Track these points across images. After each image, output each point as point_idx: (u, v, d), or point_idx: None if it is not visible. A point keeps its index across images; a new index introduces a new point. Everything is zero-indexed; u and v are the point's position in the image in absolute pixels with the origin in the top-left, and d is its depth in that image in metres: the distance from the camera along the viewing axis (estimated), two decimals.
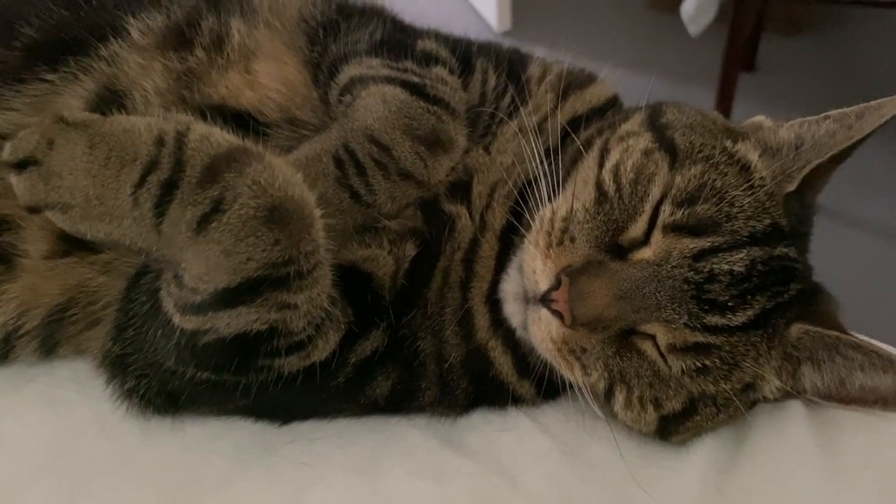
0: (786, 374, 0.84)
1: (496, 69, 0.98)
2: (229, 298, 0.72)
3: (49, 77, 0.91)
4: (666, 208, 0.80)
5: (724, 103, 2.78)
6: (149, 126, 0.74)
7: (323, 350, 0.82)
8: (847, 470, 0.83)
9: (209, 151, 0.73)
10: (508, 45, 1.07)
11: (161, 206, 0.72)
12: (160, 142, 0.73)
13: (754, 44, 3.41)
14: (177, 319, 0.76)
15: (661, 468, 0.85)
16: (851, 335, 0.82)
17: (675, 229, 0.79)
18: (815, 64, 3.52)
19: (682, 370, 0.79)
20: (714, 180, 0.80)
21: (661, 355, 0.80)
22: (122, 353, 0.86)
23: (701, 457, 0.86)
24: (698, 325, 0.78)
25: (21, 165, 0.74)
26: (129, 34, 0.94)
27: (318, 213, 0.76)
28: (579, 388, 0.84)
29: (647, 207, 0.81)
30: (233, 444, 0.88)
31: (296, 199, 0.73)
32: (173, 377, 0.83)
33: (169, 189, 0.72)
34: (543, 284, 0.81)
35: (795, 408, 0.88)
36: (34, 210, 0.76)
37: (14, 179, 0.75)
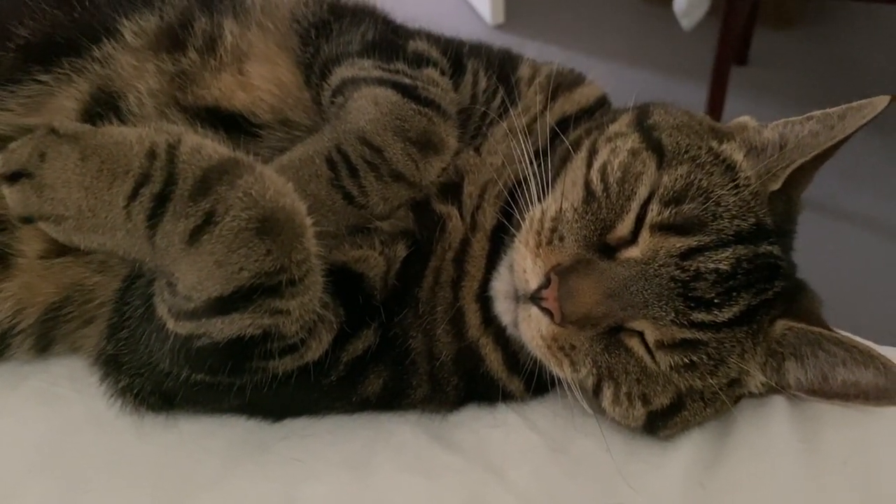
0: (770, 370, 0.86)
1: (487, 70, 0.99)
2: (222, 306, 0.73)
3: (43, 78, 0.91)
4: (653, 207, 0.81)
5: (717, 97, 2.78)
6: (140, 138, 0.75)
7: (316, 351, 0.83)
8: (828, 465, 0.84)
9: (201, 164, 0.74)
10: (499, 46, 1.07)
11: (154, 219, 0.72)
12: (152, 154, 0.74)
13: (747, 38, 3.41)
14: (170, 325, 0.77)
15: (646, 463, 0.86)
16: (834, 331, 0.84)
17: (662, 228, 0.80)
18: (808, 58, 3.53)
19: (670, 366, 0.81)
20: (700, 180, 0.82)
21: (649, 352, 0.81)
22: (116, 353, 0.87)
23: (685, 452, 0.87)
24: (685, 322, 0.79)
25: (13, 177, 0.75)
26: (123, 35, 0.94)
27: (309, 221, 0.76)
28: (568, 385, 0.85)
29: (634, 206, 0.82)
30: (226, 440, 0.89)
31: (287, 210, 0.74)
32: (167, 378, 0.84)
33: (161, 202, 0.72)
34: (533, 283, 0.82)
35: (778, 404, 0.90)
36: (27, 220, 0.77)
37: (6, 191, 0.75)
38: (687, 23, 2.87)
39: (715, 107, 2.75)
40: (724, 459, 0.86)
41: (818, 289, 0.91)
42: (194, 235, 0.71)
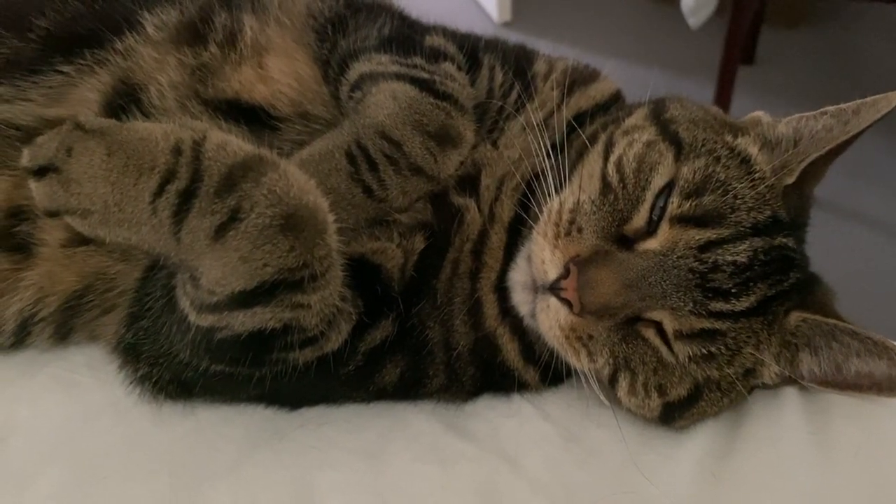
0: (784, 360, 0.86)
1: (503, 65, 1.00)
2: (245, 300, 0.74)
3: (65, 69, 0.92)
4: (674, 200, 0.82)
5: (724, 96, 2.79)
6: (165, 134, 0.75)
7: (335, 342, 0.84)
8: (840, 455, 0.85)
9: (226, 161, 0.74)
10: (514, 42, 1.08)
11: (179, 215, 0.73)
12: (177, 150, 0.74)
13: (754, 37, 3.41)
14: (192, 317, 0.77)
15: (659, 454, 0.87)
16: (847, 323, 0.84)
17: (682, 220, 0.81)
18: (815, 57, 3.53)
19: (689, 357, 0.81)
20: (718, 173, 0.83)
21: (666, 342, 0.82)
22: (136, 342, 0.88)
23: (698, 443, 0.88)
24: (703, 312, 0.80)
25: (40, 172, 0.75)
26: (144, 28, 0.95)
27: (331, 218, 0.77)
28: (584, 375, 0.86)
29: (649, 196, 0.83)
30: (243, 428, 0.90)
31: (310, 207, 0.75)
32: (187, 367, 0.85)
33: (187, 198, 0.73)
34: (552, 273, 0.83)
35: (790, 395, 0.90)
36: (53, 214, 0.77)
37: (33, 185, 0.76)
38: (694, 21, 2.87)
39: (721, 106, 2.72)
40: (737, 450, 0.87)
41: None
42: (219, 232, 0.72)
